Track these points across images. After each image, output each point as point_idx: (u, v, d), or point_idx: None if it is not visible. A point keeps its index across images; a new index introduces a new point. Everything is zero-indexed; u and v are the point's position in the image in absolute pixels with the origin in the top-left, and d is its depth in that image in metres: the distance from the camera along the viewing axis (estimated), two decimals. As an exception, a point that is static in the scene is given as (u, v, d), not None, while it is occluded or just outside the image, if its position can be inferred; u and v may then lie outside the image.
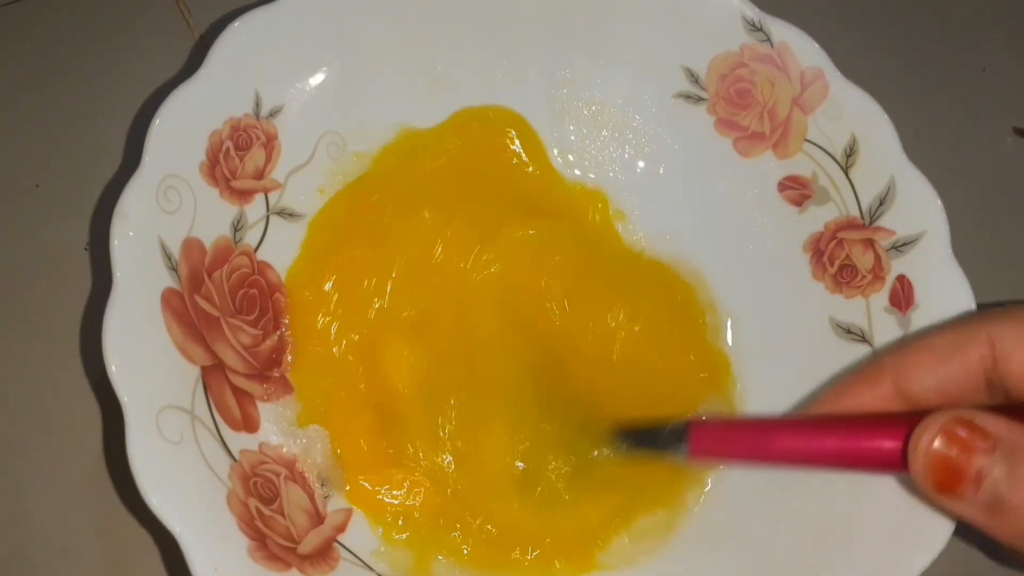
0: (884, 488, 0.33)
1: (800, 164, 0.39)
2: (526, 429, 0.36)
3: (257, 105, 0.37)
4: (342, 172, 0.39)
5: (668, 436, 0.34)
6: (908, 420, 0.29)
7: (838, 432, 0.30)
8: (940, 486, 0.28)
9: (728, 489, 0.37)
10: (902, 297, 0.36)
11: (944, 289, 0.35)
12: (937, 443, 0.27)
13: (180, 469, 0.30)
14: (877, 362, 0.32)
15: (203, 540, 0.29)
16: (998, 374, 0.30)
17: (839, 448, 0.30)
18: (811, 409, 0.34)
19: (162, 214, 0.34)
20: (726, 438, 0.33)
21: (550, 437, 0.37)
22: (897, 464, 0.29)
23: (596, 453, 0.36)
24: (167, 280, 0.33)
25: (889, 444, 0.29)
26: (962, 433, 0.27)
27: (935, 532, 0.32)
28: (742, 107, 0.40)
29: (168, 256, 0.33)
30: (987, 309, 0.31)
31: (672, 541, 0.36)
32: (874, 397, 0.31)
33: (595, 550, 0.36)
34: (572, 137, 0.42)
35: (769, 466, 0.33)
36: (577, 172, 0.42)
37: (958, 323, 0.31)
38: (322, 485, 0.35)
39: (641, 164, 0.42)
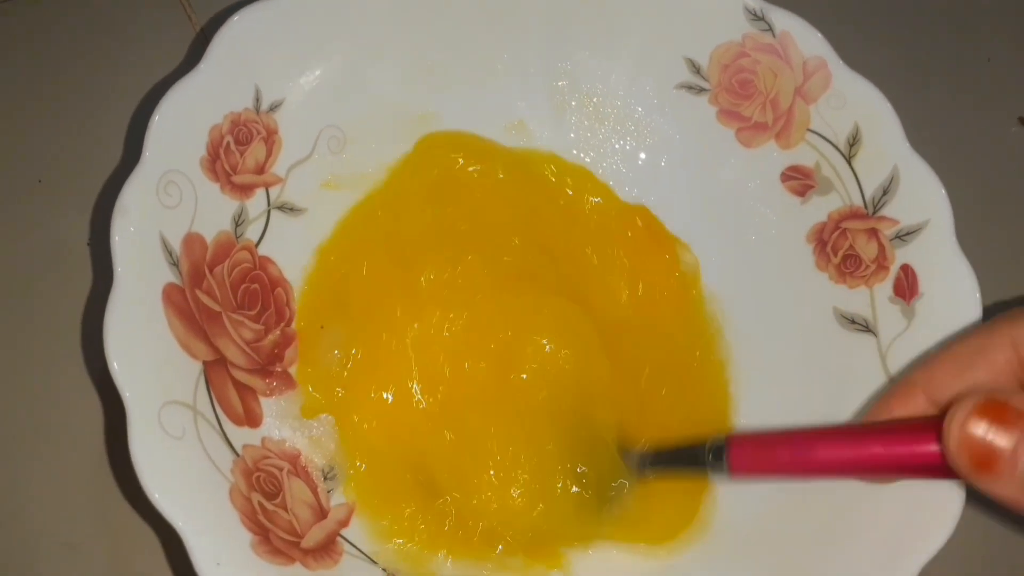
0: (884, 488, 0.33)
1: (803, 154, 0.39)
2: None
3: (257, 99, 0.37)
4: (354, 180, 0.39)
5: (707, 455, 0.33)
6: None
7: (879, 437, 0.30)
8: (976, 466, 0.27)
9: (730, 492, 0.37)
10: (906, 286, 0.36)
11: (948, 278, 0.35)
12: (971, 424, 0.27)
13: (182, 464, 0.30)
14: (907, 379, 0.32)
15: (206, 535, 0.29)
16: None
17: (881, 454, 0.29)
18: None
19: (163, 209, 0.33)
20: (766, 452, 0.33)
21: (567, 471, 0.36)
22: (941, 465, 0.28)
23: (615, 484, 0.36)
24: (168, 275, 0.33)
25: (931, 444, 0.28)
26: (995, 413, 0.27)
27: (937, 528, 0.32)
28: (744, 97, 0.40)
29: (169, 251, 0.33)
30: (1009, 310, 0.31)
31: (674, 543, 0.36)
32: (909, 412, 0.31)
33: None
34: (574, 129, 0.42)
35: (810, 478, 0.33)
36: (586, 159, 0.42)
37: (981, 329, 0.31)
38: (327, 478, 0.35)
39: (643, 155, 0.42)
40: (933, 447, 0.28)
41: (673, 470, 0.35)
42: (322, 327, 0.37)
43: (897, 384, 0.33)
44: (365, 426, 0.36)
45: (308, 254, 0.38)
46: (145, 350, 0.31)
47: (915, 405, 0.31)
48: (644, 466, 0.36)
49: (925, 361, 0.32)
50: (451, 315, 0.37)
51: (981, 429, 0.27)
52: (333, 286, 0.38)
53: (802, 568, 0.34)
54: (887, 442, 0.29)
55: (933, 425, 0.28)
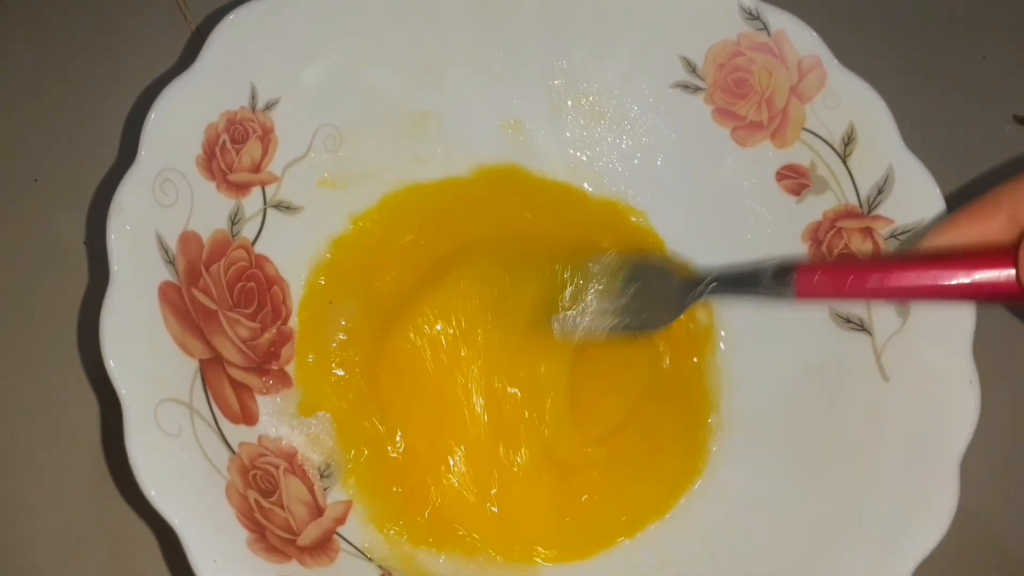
0: (883, 476, 0.33)
1: (798, 153, 0.39)
2: None
3: (253, 98, 0.37)
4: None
5: (772, 277, 0.33)
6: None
7: (954, 265, 0.30)
8: None
9: (724, 481, 0.37)
10: (901, 285, 0.36)
11: (943, 277, 0.35)
12: None
13: (179, 462, 0.30)
14: (993, 195, 0.31)
15: (202, 532, 0.29)
16: None
17: (957, 282, 0.29)
18: (922, 241, 0.32)
19: (159, 208, 0.33)
20: (836, 276, 0.32)
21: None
22: (1014, 292, 0.29)
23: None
24: (164, 274, 0.33)
25: (1005, 272, 0.29)
26: None
27: (936, 519, 0.32)
28: (740, 96, 0.40)
29: (165, 249, 0.33)
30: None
31: (668, 526, 0.36)
32: (986, 228, 0.30)
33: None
34: (570, 128, 0.42)
35: (880, 300, 0.32)
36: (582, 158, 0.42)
37: None
38: (323, 476, 0.35)
39: (639, 154, 0.42)
40: (1007, 273, 0.28)
41: (736, 290, 0.35)
42: (331, 303, 0.37)
43: (978, 199, 0.31)
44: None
45: (304, 252, 0.38)
46: (141, 348, 0.31)
47: (994, 223, 0.30)
48: (702, 291, 0.35)
49: (1015, 178, 0.31)
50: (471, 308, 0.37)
51: None
52: (355, 261, 0.38)
53: (802, 562, 0.34)
54: (963, 269, 0.29)
55: (1007, 253, 0.29)
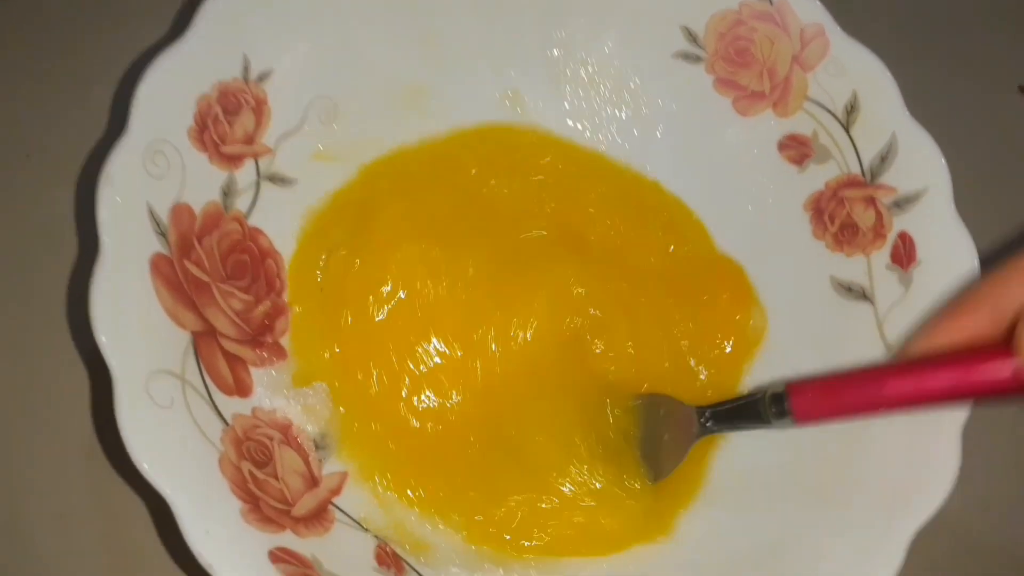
0: (882, 444, 0.33)
1: (800, 123, 0.39)
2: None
3: (246, 69, 0.36)
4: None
5: (766, 405, 0.33)
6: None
7: (948, 369, 0.30)
8: None
9: (725, 452, 0.37)
10: (904, 254, 0.36)
11: (947, 245, 0.35)
12: None
13: (171, 433, 0.30)
14: (972, 292, 0.31)
15: (195, 504, 0.29)
16: None
17: (953, 384, 0.30)
18: (909, 347, 0.33)
19: (150, 179, 0.33)
20: (831, 395, 0.32)
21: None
22: (1011, 386, 0.29)
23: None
24: (156, 246, 0.33)
25: (1000, 369, 0.29)
26: None
27: (937, 484, 0.32)
28: (741, 66, 0.39)
29: (157, 221, 0.33)
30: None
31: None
32: (973, 325, 0.30)
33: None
34: (568, 99, 0.41)
35: (877, 416, 0.32)
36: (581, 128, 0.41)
37: None
38: (319, 448, 0.35)
39: (639, 125, 0.41)
40: (1005, 370, 0.28)
41: (733, 426, 0.35)
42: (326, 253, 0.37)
43: (960, 297, 0.32)
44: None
45: (298, 225, 0.38)
46: (132, 320, 0.31)
47: (979, 320, 0.30)
48: (703, 427, 0.35)
49: (991, 274, 0.31)
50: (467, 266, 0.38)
51: None
52: (355, 203, 0.38)
53: (796, 526, 0.34)
54: (958, 372, 0.30)
55: (1002, 348, 0.29)
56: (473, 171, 0.40)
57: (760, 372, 0.38)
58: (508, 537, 0.35)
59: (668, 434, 0.36)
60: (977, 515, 0.38)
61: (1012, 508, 0.39)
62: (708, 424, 0.35)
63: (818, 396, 0.32)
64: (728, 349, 0.39)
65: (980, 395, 0.30)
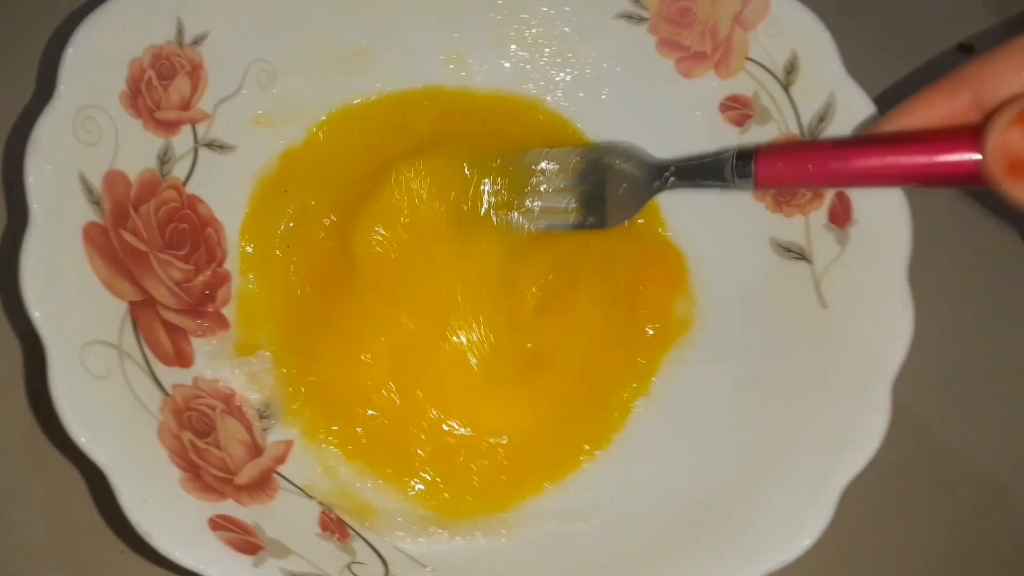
0: (819, 398, 0.34)
1: (742, 83, 0.39)
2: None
3: (179, 32, 0.36)
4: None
5: (732, 164, 0.33)
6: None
7: (914, 147, 0.29)
8: (1009, 171, 0.27)
9: (663, 404, 0.38)
10: (841, 213, 0.36)
11: (881, 205, 0.35)
12: (1012, 130, 0.26)
13: (106, 403, 0.30)
14: (958, 72, 0.30)
15: (132, 473, 0.29)
16: None
17: (917, 163, 0.29)
18: (882, 124, 0.32)
19: (81, 146, 0.32)
20: (796, 162, 0.32)
21: None
22: (975, 175, 0.28)
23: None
24: (89, 214, 0.32)
25: (967, 154, 0.28)
26: None
27: (869, 438, 0.33)
28: (684, 26, 0.39)
29: (89, 190, 0.32)
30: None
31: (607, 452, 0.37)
32: (949, 110, 0.30)
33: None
34: (511, 60, 0.41)
35: (841, 186, 0.32)
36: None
37: None
38: (263, 417, 0.35)
39: (584, 87, 0.41)
40: (968, 155, 0.28)
41: (695, 183, 0.35)
42: (286, 191, 0.37)
43: (944, 78, 0.31)
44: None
45: (239, 192, 0.37)
46: (64, 290, 0.30)
47: (957, 102, 0.30)
48: (663, 181, 0.36)
49: (981, 56, 0.30)
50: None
51: (1020, 135, 0.26)
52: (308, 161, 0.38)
53: (747, 475, 0.35)
54: (923, 151, 0.29)
55: (969, 134, 0.28)
56: (424, 125, 0.40)
57: (697, 336, 0.39)
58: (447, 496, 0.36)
59: (626, 184, 0.36)
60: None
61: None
62: (671, 179, 0.36)
63: (783, 162, 0.32)
64: (650, 332, 0.39)
65: (943, 179, 0.29)
